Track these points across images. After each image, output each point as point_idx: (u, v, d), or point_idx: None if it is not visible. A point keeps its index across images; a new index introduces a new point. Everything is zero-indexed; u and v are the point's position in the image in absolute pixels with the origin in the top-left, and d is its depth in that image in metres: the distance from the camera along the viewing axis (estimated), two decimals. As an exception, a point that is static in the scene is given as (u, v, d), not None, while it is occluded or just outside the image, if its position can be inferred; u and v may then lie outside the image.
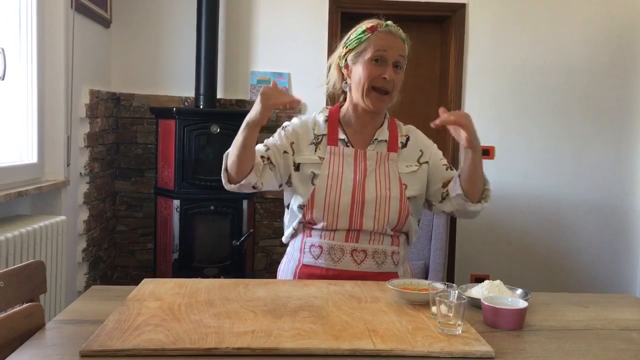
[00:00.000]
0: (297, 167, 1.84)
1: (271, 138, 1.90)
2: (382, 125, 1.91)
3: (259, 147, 1.83)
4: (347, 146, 1.85)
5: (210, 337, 1.23)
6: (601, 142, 4.24)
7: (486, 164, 4.12)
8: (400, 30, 1.86)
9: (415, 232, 1.91)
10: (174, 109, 3.74)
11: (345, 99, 1.92)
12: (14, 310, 1.35)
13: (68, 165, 3.19)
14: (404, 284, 1.57)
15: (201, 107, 3.89)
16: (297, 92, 4.13)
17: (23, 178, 2.83)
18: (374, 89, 1.80)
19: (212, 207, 3.67)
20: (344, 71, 1.87)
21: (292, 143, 1.86)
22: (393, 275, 1.82)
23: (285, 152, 1.85)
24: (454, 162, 4.20)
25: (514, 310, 1.39)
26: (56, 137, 3.11)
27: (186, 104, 4.10)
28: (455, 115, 1.69)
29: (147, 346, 1.18)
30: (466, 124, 1.68)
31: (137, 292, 1.55)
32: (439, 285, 1.50)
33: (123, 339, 1.21)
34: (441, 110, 1.72)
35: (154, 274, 3.83)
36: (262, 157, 1.81)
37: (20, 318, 1.33)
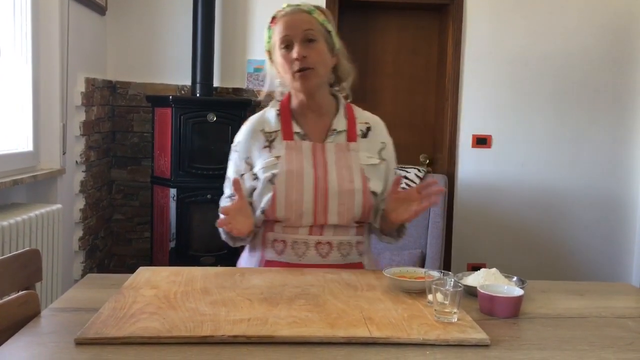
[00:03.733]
0: (256, 176, 1.77)
1: (229, 166, 1.84)
2: (337, 113, 1.82)
3: (226, 197, 1.81)
4: (304, 139, 1.77)
5: (206, 325, 1.22)
6: (598, 131, 4.24)
7: (483, 152, 4.18)
8: (303, 5, 1.77)
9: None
10: (171, 97, 3.72)
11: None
12: (9, 298, 1.35)
13: (64, 154, 3.18)
14: (400, 272, 1.57)
15: (198, 95, 3.88)
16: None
17: (18, 166, 2.82)
18: (297, 72, 1.71)
19: (208, 196, 3.66)
20: (278, 71, 1.80)
21: (246, 159, 1.79)
22: (358, 266, 1.78)
23: (242, 174, 1.79)
24: (451, 164, 4.19)
25: (510, 298, 1.39)
26: (52, 126, 3.10)
27: (183, 92, 4.08)
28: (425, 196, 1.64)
29: (143, 334, 1.18)
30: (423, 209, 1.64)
31: (133, 280, 1.55)
32: (435, 274, 1.51)
33: (118, 326, 1.21)
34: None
35: (151, 263, 3.83)
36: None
37: (15, 306, 1.32)
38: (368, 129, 1.84)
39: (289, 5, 1.77)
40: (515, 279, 1.56)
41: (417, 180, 3.60)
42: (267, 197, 1.71)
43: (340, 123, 1.80)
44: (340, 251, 1.76)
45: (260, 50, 4.07)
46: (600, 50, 4.19)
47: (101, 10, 3.86)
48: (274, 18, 1.77)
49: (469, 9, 4.13)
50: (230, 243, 1.80)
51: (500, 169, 4.22)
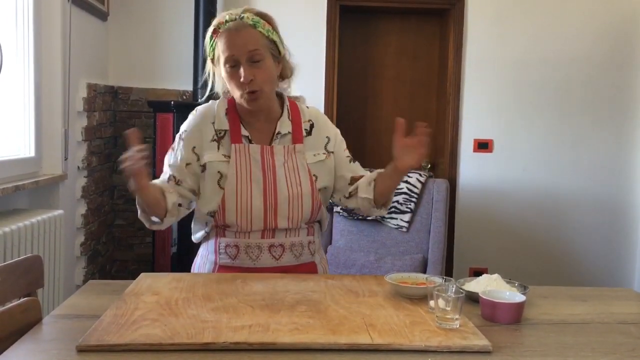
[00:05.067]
0: (204, 167, 1.75)
1: (170, 153, 1.80)
2: (282, 115, 1.81)
3: (163, 178, 1.76)
4: (251, 142, 1.76)
5: (208, 332, 1.22)
6: (600, 135, 4.24)
7: (485, 157, 4.18)
8: (246, 18, 1.69)
9: (326, 219, 1.90)
10: (172, 103, 3.72)
11: None
12: (11, 304, 1.35)
13: (66, 159, 3.18)
14: (402, 277, 1.57)
15: (199, 100, 3.88)
16: (295, 85, 4.14)
17: (20, 172, 2.83)
18: (244, 93, 1.70)
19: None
20: (220, 78, 1.78)
21: (193, 148, 1.76)
22: (311, 265, 1.81)
23: (188, 164, 1.75)
24: (452, 157, 4.19)
25: (512, 304, 1.39)
26: (53, 131, 3.10)
27: (184, 97, 4.09)
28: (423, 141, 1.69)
29: (144, 341, 1.18)
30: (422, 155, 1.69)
31: (135, 286, 1.55)
32: (437, 279, 1.50)
33: (120, 333, 1.21)
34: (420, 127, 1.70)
35: (153, 268, 3.83)
36: (169, 184, 1.74)
37: (17, 313, 1.33)
38: (311, 126, 1.84)
39: (230, 16, 1.71)
40: (517, 284, 1.56)
41: (418, 185, 3.60)
42: (215, 201, 1.72)
43: (285, 126, 1.80)
44: (293, 252, 1.78)
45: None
46: (601, 54, 4.19)
47: (103, 16, 3.87)
48: (216, 29, 1.71)
49: (470, 14, 4.14)
50: (146, 223, 1.75)
51: (501, 174, 4.21)
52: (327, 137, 1.85)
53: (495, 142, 4.21)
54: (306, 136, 1.82)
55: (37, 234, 2.61)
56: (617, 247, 4.29)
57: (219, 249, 1.77)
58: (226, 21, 1.70)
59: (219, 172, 1.73)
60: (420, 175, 3.76)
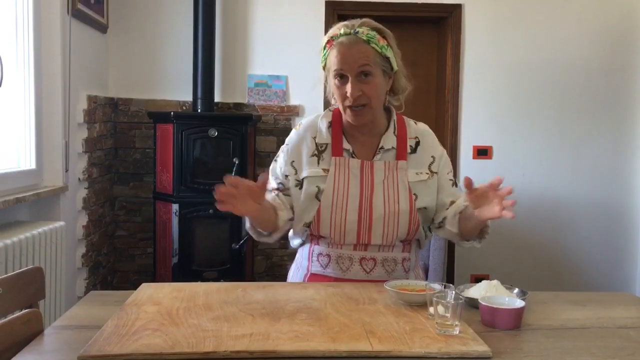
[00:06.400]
0: (301, 183, 1.75)
1: (273, 164, 1.82)
2: (387, 129, 1.78)
3: (270, 188, 1.76)
4: (353, 157, 1.75)
5: (208, 341, 1.23)
6: (599, 140, 4.25)
7: (485, 163, 4.19)
8: (360, 33, 1.66)
9: (426, 237, 1.86)
10: (172, 113, 3.74)
11: None
12: (13, 316, 1.35)
13: (66, 171, 3.19)
14: (402, 285, 1.57)
15: (199, 111, 3.90)
16: (294, 95, 4.17)
17: (21, 184, 2.84)
18: (348, 106, 1.69)
19: (210, 211, 3.67)
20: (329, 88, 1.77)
21: (292, 162, 1.77)
22: None
23: (287, 175, 1.78)
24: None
25: (511, 310, 1.40)
26: (54, 143, 3.12)
27: (184, 108, 4.11)
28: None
29: (145, 351, 1.18)
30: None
31: (136, 296, 1.55)
32: (436, 286, 1.51)
33: (121, 344, 1.21)
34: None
35: (154, 278, 3.83)
36: (277, 195, 1.76)
37: (19, 324, 1.33)
38: (417, 143, 1.80)
39: (345, 29, 1.68)
40: (516, 290, 1.56)
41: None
42: (312, 213, 1.73)
43: (389, 141, 1.77)
44: (385, 267, 1.76)
45: (260, 65, 4.13)
46: (598, 59, 4.20)
47: (102, 28, 3.89)
48: (330, 40, 1.70)
49: (467, 21, 4.16)
50: (255, 236, 1.76)
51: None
52: (432, 156, 1.80)
53: (494, 149, 4.22)
54: (410, 153, 1.78)
55: (38, 245, 2.62)
56: (617, 252, 4.30)
57: (312, 257, 1.79)
58: (341, 34, 1.68)
59: (317, 186, 1.72)
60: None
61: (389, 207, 1.71)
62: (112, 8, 3.99)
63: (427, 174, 1.77)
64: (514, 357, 1.22)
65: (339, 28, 1.70)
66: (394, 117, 1.81)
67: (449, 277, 4.08)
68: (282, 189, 1.78)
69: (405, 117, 1.84)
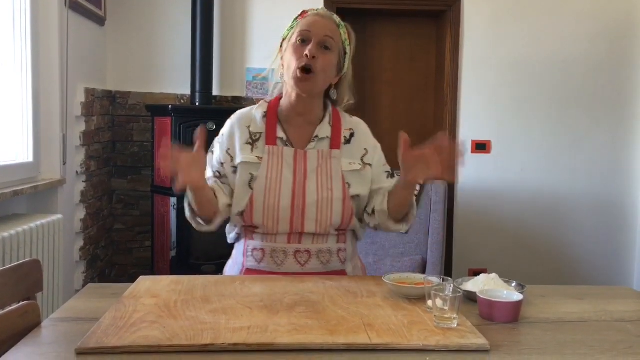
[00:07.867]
0: (235, 169, 1.76)
1: (209, 155, 1.82)
2: (322, 120, 1.80)
3: (207, 177, 1.76)
4: (287, 145, 1.76)
5: (206, 334, 1.23)
6: (598, 135, 4.25)
7: (483, 158, 4.19)
8: (335, 16, 1.80)
9: (362, 228, 1.86)
10: (170, 107, 3.74)
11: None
12: (10, 308, 1.35)
13: (64, 164, 3.19)
14: (400, 278, 1.57)
15: (197, 104, 3.89)
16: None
17: (19, 177, 2.83)
18: (300, 70, 1.69)
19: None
20: (282, 63, 1.79)
21: (228, 150, 1.79)
22: (341, 274, 1.77)
23: (222, 163, 1.79)
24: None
25: (509, 303, 1.40)
26: (52, 136, 3.11)
27: (182, 101, 4.10)
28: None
29: (143, 343, 1.18)
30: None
31: (133, 289, 1.55)
32: (435, 279, 1.51)
33: (119, 336, 1.21)
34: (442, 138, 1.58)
35: (152, 272, 3.83)
36: (217, 185, 1.77)
37: (16, 317, 1.33)
38: (351, 135, 1.82)
39: (323, 9, 1.82)
40: (514, 283, 1.56)
41: (417, 187, 3.60)
42: (245, 200, 1.73)
43: (324, 130, 1.79)
44: (320, 259, 1.75)
45: (259, 59, 4.11)
46: (598, 55, 4.20)
47: (100, 20, 3.88)
48: (304, 12, 1.79)
49: (466, 15, 4.15)
50: (194, 224, 1.77)
51: (499, 174, 4.22)
52: (365, 148, 1.82)
53: (493, 143, 4.22)
54: (345, 144, 1.80)
55: (36, 238, 2.62)
56: (615, 247, 4.30)
57: (247, 252, 1.78)
58: (317, 9, 1.81)
59: (250, 173, 1.74)
60: (418, 176, 3.75)
61: (322, 193, 1.72)
62: (110, 0, 3.98)
63: (359, 165, 1.79)
64: (511, 350, 1.22)
65: (315, 8, 1.83)
66: (330, 108, 1.84)
67: (447, 271, 4.08)
68: (219, 177, 1.79)
69: (340, 111, 1.87)
